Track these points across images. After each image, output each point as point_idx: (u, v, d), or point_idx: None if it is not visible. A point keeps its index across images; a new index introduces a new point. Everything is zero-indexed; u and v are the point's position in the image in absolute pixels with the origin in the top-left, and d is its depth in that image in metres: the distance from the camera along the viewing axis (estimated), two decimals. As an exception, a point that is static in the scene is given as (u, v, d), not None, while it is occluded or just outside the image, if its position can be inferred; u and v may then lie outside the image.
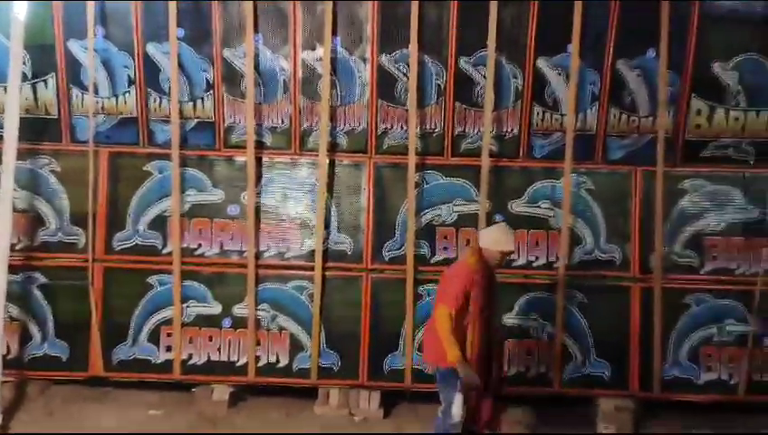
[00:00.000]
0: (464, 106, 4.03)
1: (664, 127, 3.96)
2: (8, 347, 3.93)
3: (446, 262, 4.00)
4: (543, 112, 4.03)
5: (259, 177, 4.04)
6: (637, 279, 4.04)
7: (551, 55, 3.95)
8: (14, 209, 3.81)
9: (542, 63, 3.96)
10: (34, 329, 4.01)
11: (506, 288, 3.91)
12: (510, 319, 4.04)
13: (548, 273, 4.05)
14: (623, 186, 4.06)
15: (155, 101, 4.02)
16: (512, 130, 4.06)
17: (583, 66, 3.94)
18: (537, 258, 4.06)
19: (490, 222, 3.95)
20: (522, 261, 4.05)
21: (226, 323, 4.03)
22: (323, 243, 4.01)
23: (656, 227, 3.99)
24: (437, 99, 4.02)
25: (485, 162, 3.95)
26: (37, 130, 4.00)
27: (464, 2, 3.86)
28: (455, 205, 4.07)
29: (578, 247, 4.05)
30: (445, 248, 4.07)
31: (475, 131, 4.05)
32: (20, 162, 3.78)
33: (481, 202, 3.97)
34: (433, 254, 4.07)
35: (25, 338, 4.01)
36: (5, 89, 3.73)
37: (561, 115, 4.01)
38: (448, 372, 3.13)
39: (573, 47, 3.88)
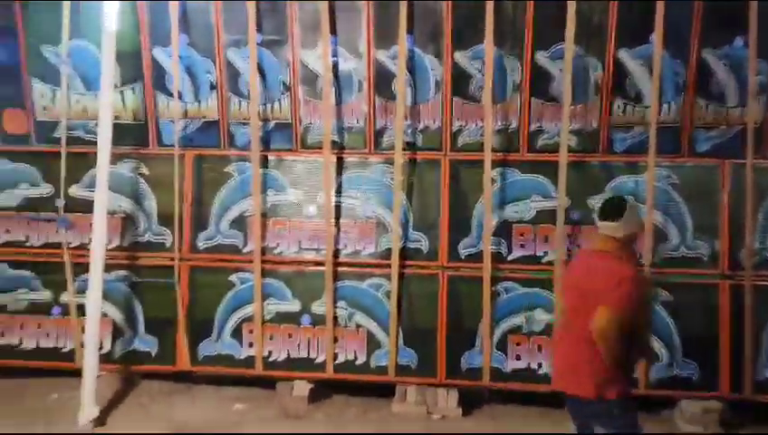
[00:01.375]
0: (540, 101, 3.98)
1: (754, 118, 3.80)
2: (101, 343, 4.13)
3: (524, 259, 3.98)
4: (625, 105, 3.93)
5: (336, 176, 4.11)
6: (726, 276, 3.89)
7: (632, 46, 3.85)
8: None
9: (623, 55, 3.87)
10: (125, 325, 4.20)
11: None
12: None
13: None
14: (710, 180, 3.92)
15: (235, 105, 4.16)
16: (591, 124, 3.99)
17: (667, 56, 3.83)
18: (619, 255, 3.96)
19: (568, 219, 3.90)
20: (603, 258, 3.96)
21: (305, 320, 4.11)
22: (400, 241, 4.04)
23: (746, 221, 3.82)
24: (513, 94, 3.99)
25: (564, 157, 3.89)
26: (126, 134, 4.21)
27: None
28: (532, 201, 4.02)
29: (663, 244, 3.93)
30: (522, 246, 4.03)
31: (553, 127, 4.00)
32: (111, 166, 3.96)
33: (559, 198, 3.91)
34: (510, 251, 4.04)
35: (117, 334, 4.21)
36: (97, 96, 3.98)
37: (644, 108, 3.91)
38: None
39: (656, 37, 3.76)
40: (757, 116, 3.82)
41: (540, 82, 3.97)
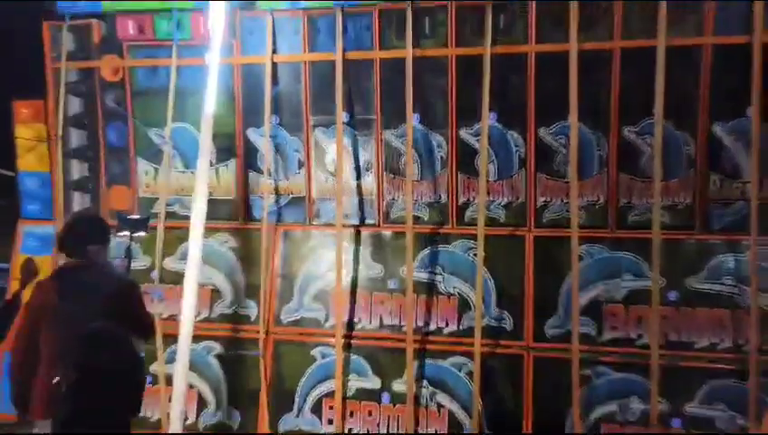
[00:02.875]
0: (629, 177, 3.89)
1: None
2: (186, 414, 4.23)
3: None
4: (721, 181, 3.77)
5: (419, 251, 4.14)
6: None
7: (727, 121, 3.73)
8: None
9: (717, 129, 3.74)
10: (210, 396, 4.29)
11: (688, 373, 3.66)
12: (692, 408, 3.68)
13: (735, 356, 3.66)
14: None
15: (320, 182, 4.33)
16: (684, 199, 3.84)
17: (765, 130, 3.66)
18: (722, 340, 3.70)
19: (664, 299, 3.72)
20: (704, 343, 3.71)
21: (385, 398, 4.06)
22: (482, 319, 3.97)
23: None
24: (600, 169, 3.93)
25: (657, 234, 3.73)
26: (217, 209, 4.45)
27: (627, 68, 3.81)
28: (623, 280, 3.86)
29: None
30: (613, 327, 3.85)
31: (643, 202, 3.88)
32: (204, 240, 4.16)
33: (653, 278, 3.73)
34: (600, 333, 3.86)
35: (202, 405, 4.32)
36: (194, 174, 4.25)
37: (743, 183, 3.73)
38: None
39: (753, 111, 3.62)
40: None
41: (628, 158, 3.90)
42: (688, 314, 3.76)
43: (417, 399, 4.02)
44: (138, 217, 3.82)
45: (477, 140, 4.06)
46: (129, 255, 3.58)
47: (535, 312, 3.96)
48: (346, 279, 4.21)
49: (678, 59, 3.75)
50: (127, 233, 3.60)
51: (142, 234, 3.75)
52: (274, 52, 4.30)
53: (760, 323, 3.61)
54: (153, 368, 4.34)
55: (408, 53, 4.04)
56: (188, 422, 4.22)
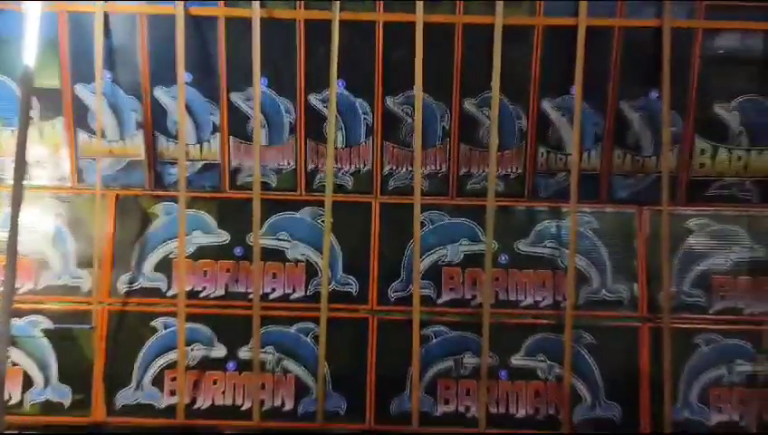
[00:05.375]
0: (469, 147, 4.15)
1: (668, 167, 4.07)
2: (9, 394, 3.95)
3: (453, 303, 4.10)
4: (548, 153, 4.13)
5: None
6: (645, 319, 4.09)
7: (554, 97, 4.09)
8: None
9: (546, 105, 4.09)
10: (37, 373, 4.03)
11: (514, 329, 4.03)
12: (517, 360, 4.07)
13: (555, 312, 4.10)
14: (629, 225, 4.16)
15: (162, 144, 4.15)
16: (516, 169, 4.17)
17: (586, 107, 4.07)
18: (544, 298, 4.11)
19: (495, 262, 4.06)
20: (529, 301, 4.10)
21: (231, 366, 4.05)
22: (329, 285, 4.08)
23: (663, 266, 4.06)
24: (443, 139, 4.15)
25: (491, 202, 4.04)
26: (42, 171, 4.12)
27: (469, 43, 4.03)
28: (461, 245, 4.14)
29: (584, 287, 4.12)
30: (451, 289, 4.13)
31: (480, 171, 4.16)
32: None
33: (487, 242, 4.04)
34: (439, 295, 4.13)
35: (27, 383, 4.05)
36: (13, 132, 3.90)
37: (566, 155, 4.12)
38: None
39: (576, 90, 4.00)
40: (671, 165, 4.10)
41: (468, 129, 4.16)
42: (516, 275, 4.14)
43: (263, 366, 4.08)
44: None
45: (326, 107, 4.10)
46: None
47: (380, 276, 4.15)
48: (190, 247, 4.12)
49: (514, 37, 4.02)
50: None
51: None
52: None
53: (575, 282, 4.09)
54: (-33, 346, 3.99)
55: (255, 12, 3.96)
56: (12, 402, 3.96)
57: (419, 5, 3.96)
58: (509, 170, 4.20)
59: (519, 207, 4.21)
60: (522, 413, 4.08)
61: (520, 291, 4.15)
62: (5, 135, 4.10)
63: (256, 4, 3.95)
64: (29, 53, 3.69)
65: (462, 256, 4.16)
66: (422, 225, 4.11)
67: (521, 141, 4.17)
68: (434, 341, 4.10)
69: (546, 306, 4.14)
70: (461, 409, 4.07)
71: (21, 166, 3.75)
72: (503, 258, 4.14)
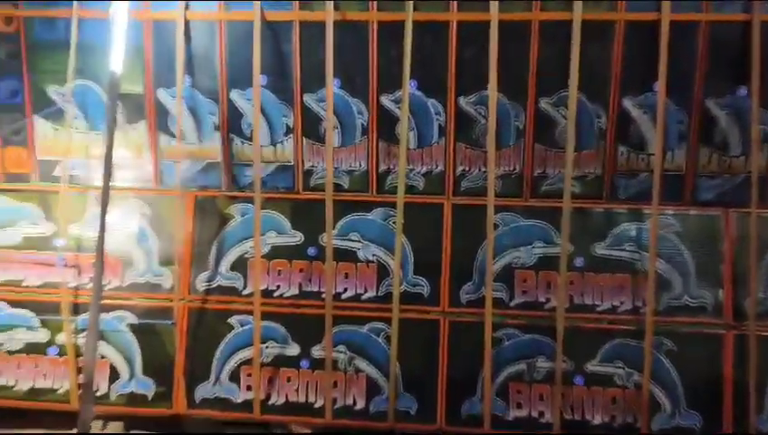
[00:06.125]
0: (544, 147, 4.07)
1: (757, 167, 3.88)
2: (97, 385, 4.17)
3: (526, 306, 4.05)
4: (628, 153, 4.01)
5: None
6: (730, 326, 3.93)
7: (636, 95, 3.96)
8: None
9: (626, 103, 3.96)
10: (123, 366, 4.24)
11: (590, 334, 3.95)
12: (593, 366, 3.99)
13: (633, 318, 3.99)
14: (714, 228, 3.99)
15: (237, 146, 4.27)
16: (594, 170, 4.07)
17: (670, 105, 3.92)
18: (622, 303, 4.00)
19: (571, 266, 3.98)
20: (606, 305, 4.00)
21: (304, 364, 4.14)
22: (400, 285, 4.11)
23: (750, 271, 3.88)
24: (517, 139, 4.10)
25: (567, 203, 3.96)
26: (126, 173, 4.33)
27: (545, 43, 3.96)
28: (534, 247, 4.08)
29: (665, 292, 3.99)
30: (524, 292, 4.08)
31: (555, 172, 4.08)
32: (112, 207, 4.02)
33: (562, 245, 3.97)
34: (511, 297, 4.09)
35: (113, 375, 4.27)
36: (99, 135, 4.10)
37: (648, 155, 3.98)
38: None
39: (660, 86, 3.86)
40: (761, 165, 3.91)
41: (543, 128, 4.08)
42: (592, 279, 4.05)
43: (335, 364, 4.15)
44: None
45: (398, 108, 4.11)
46: None
47: (451, 278, 4.14)
48: (265, 247, 4.22)
49: (593, 33, 3.92)
50: None
51: None
52: (187, 8, 4.13)
53: (656, 287, 3.96)
54: (61, 339, 4.23)
55: (329, 15, 4.00)
56: (100, 393, 4.18)
57: (494, 4, 3.90)
58: (586, 171, 4.09)
59: (597, 209, 4.09)
60: (598, 420, 3.99)
61: (596, 295, 4.04)
62: (93, 139, 4.32)
63: (330, 5, 4.00)
64: (116, 59, 3.86)
65: (536, 259, 4.10)
66: (495, 226, 4.07)
67: (600, 141, 4.05)
68: (506, 344, 4.06)
69: (624, 311, 4.02)
70: (534, 414, 4.02)
71: (108, 168, 3.94)
72: (578, 261, 4.05)
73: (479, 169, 4.16)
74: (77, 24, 4.13)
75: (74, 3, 4.12)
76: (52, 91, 4.29)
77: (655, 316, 3.93)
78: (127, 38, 3.93)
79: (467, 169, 4.19)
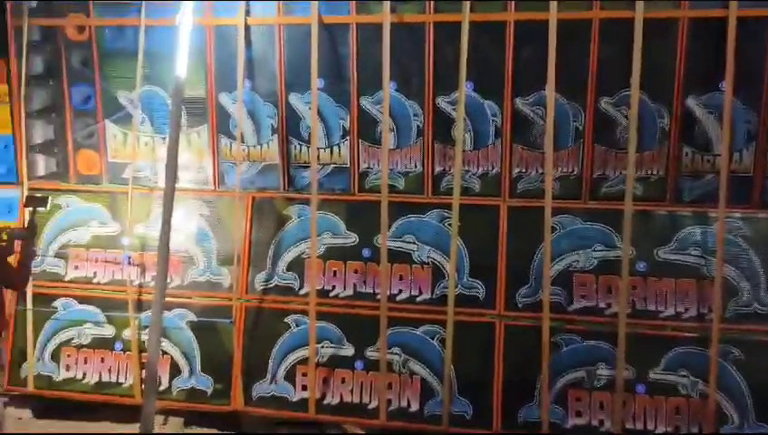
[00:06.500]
0: (604, 148, 3.99)
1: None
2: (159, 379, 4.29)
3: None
4: (693, 154, 3.89)
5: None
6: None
7: (701, 94, 3.84)
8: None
9: (691, 102, 3.85)
10: (183, 362, 4.36)
11: (653, 341, 3.83)
12: (656, 374, 3.86)
13: (699, 325, 3.85)
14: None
15: (295, 149, 4.35)
16: (657, 171, 3.96)
17: (737, 104, 3.78)
18: (687, 310, 3.86)
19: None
20: (670, 312, 3.87)
21: (359, 365, 4.16)
22: (455, 288, 4.08)
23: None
24: (576, 140, 4.02)
25: (629, 205, 3.86)
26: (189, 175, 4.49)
27: (605, 42, 3.89)
28: (594, 251, 3.99)
29: (733, 298, 3.83)
30: (583, 296, 3.99)
31: (616, 173, 3.99)
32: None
33: (623, 248, 3.87)
34: (570, 302, 4.01)
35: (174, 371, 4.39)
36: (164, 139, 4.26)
37: (714, 156, 3.85)
38: None
39: (726, 85, 3.73)
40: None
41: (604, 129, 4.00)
42: (655, 284, 3.93)
43: (390, 366, 4.15)
44: (40, 195, 4.19)
45: (454, 109, 4.11)
46: (32, 224, 3.90)
47: (507, 281, 4.09)
48: (320, 248, 4.28)
49: (655, 31, 3.82)
50: (30, 208, 3.94)
51: (42, 209, 4.09)
52: (248, 14, 4.25)
53: (723, 293, 3.80)
54: (126, 335, 4.40)
55: (386, 17, 4.04)
56: (161, 388, 4.30)
57: (553, 3, 3.86)
58: (649, 172, 3.99)
59: (659, 211, 3.98)
60: (660, 430, 3.85)
61: (660, 301, 3.91)
62: (158, 142, 4.49)
63: (387, 7, 4.04)
64: (180, 65, 4.00)
65: (595, 263, 4.00)
66: (552, 229, 4.00)
67: (663, 141, 3.94)
68: (564, 349, 3.97)
69: (689, 318, 3.88)
70: (594, 422, 3.91)
71: (172, 171, 4.08)
72: (641, 266, 3.93)
73: (536, 171, 4.11)
74: (144, 31, 4.33)
75: (142, 11, 4.32)
76: (122, 96, 4.50)
77: (722, 323, 3.78)
78: (190, 44, 4.08)
79: (524, 170, 4.14)
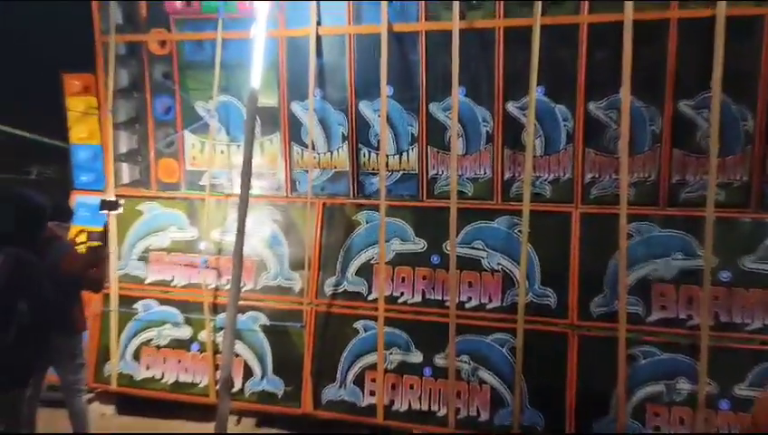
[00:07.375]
0: (683, 152, 3.85)
1: None
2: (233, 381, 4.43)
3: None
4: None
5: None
6: None
7: (789, 94, 3.65)
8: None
9: (778, 103, 3.67)
10: (256, 365, 4.49)
11: (738, 355, 3.66)
12: (741, 390, 3.67)
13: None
14: None
15: (364, 156, 4.42)
16: (740, 177, 3.78)
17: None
18: (775, 323, 3.68)
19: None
20: (757, 325, 3.68)
21: (427, 372, 4.17)
22: (526, 296, 4.03)
23: None
24: (652, 145, 3.90)
25: (710, 212, 3.70)
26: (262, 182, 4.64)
27: (684, 43, 3.76)
28: (673, 259, 3.84)
29: (828, 312, 3.60)
30: (662, 307, 3.84)
31: (696, 179, 3.84)
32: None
33: (705, 257, 3.71)
34: (648, 312, 3.87)
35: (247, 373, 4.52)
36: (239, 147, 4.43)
37: (804, 160, 3.66)
38: None
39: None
40: None
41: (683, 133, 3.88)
42: (741, 295, 3.75)
43: (458, 374, 4.14)
44: (113, 199, 4.53)
45: (524, 114, 4.07)
46: (105, 229, 4.27)
47: (581, 290, 4.00)
48: (389, 254, 4.32)
49: (737, 30, 3.67)
50: (105, 211, 4.44)
51: (116, 212, 4.53)
52: (319, 24, 4.38)
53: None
54: (202, 336, 4.57)
55: (455, 24, 4.06)
56: (234, 390, 4.44)
57: (629, 4, 3.76)
58: (732, 178, 3.82)
59: (744, 218, 3.80)
60: (748, 450, 3.67)
61: (746, 313, 3.73)
62: (233, 150, 4.67)
63: (456, 13, 4.05)
64: (255, 76, 4.15)
65: (675, 272, 3.85)
66: (628, 236, 3.88)
67: (746, 145, 3.77)
68: (642, 362, 3.84)
69: (776, 332, 3.69)
70: (670, 437, 3.77)
71: (247, 178, 4.22)
72: (724, 275, 3.77)
73: (610, 177, 4.01)
74: (221, 44, 4.53)
75: (219, 25, 4.51)
76: (200, 107, 4.72)
77: (815, 338, 3.58)
78: (264, 55, 4.23)
79: (597, 176, 4.04)
